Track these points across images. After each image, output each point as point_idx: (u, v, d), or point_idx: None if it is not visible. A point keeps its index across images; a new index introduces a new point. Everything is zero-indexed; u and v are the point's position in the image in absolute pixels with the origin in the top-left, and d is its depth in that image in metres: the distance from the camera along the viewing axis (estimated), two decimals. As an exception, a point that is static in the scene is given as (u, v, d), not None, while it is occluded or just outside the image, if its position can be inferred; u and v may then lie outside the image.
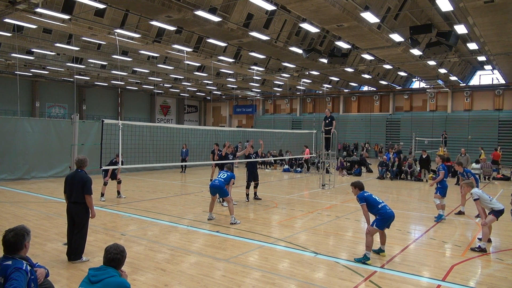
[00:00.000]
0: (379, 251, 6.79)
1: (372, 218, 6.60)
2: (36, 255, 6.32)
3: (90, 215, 6.38)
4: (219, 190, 9.18)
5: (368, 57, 25.12)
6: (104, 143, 8.25)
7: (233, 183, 9.95)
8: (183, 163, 20.75)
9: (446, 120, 34.11)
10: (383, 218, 6.40)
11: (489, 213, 7.47)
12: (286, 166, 23.70)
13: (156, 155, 20.49)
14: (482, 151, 22.54)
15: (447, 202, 12.93)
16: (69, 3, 17.65)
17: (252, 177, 12.33)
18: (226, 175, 9.50)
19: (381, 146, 35.45)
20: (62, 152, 16.71)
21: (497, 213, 7.40)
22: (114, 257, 3.33)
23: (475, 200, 7.52)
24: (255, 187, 12.53)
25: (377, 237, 6.76)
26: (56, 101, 37.93)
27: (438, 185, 10.05)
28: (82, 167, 6.43)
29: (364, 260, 6.29)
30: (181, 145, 20.82)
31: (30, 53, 25.40)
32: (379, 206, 6.46)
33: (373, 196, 6.60)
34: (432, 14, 20.51)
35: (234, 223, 8.95)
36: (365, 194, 6.58)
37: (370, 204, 6.51)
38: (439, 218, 9.56)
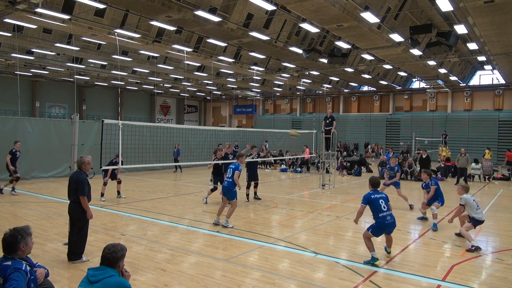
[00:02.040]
0: (385, 250, 6.79)
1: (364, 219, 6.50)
2: (36, 255, 6.31)
3: (87, 216, 6.33)
4: (227, 191, 8.74)
5: (368, 57, 25.12)
6: (104, 143, 8.25)
7: (238, 176, 8.91)
8: (177, 163, 20.54)
9: (446, 120, 34.11)
10: (379, 227, 6.35)
11: (469, 221, 7.63)
12: (284, 166, 23.71)
13: (156, 155, 20.46)
14: (487, 150, 22.58)
15: (447, 202, 12.92)
16: (69, 3, 17.66)
17: (252, 177, 12.36)
18: (231, 171, 8.78)
19: (372, 146, 35.52)
20: (62, 152, 16.70)
21: (476, 222, 7.55)
22: (105, 256, 3.34)
23: (460, 205, 7.58)
24: (255, 186, 12.55)
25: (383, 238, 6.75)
26: (56, 101, 37.93)
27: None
28: (79, 168, 6.43)
29: (372, 261, 6.24)
30: (182, 145, 20.83)
31: (30, 53, 25.40)
32: (380, 215, 6.32)
33: (380, 201, 6.35)
34: (432, 14, 20.51)
35: (226, 226, 8.61)
36: (372, 196, 6.39)
37: (373, 208, 6.38)
38: (435, 226, 9.07)
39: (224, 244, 7.43)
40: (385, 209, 6.37)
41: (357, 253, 6.88)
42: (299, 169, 22.85)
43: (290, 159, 23.61)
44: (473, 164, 19.42)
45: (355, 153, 34.85)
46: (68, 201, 6.44)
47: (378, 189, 6.65)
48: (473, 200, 7.58)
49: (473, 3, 13.91)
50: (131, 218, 9.54)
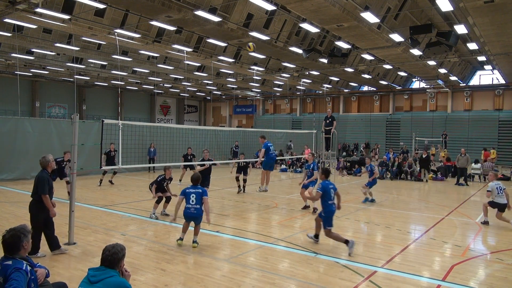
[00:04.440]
0: None
1: None
2: (37, 255, 6.32)
3: (51, 214, 6.40)
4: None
5: (368, 57, 25.11)
6: (104, 143, 8.25)
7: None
8: (154, 164, 19.96)
9: (446, 120, 34.10)
10: None
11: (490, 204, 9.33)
12: (284, 166, 23.71)
13: (156, 155, 20.48)
14: (493, 150, 22.67)
15: (447, 202, 12.95)
16: (69, 3, 17.65)
17: (242, 170, 13.88)
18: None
19: (373, 148, 35.59)
20: (62, 152, 16.69)
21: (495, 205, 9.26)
22: (105, 258, 3.34)
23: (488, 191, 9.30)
24: (244, 181, 13.95)
25: None
26: (56, 101, 37.91)
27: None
28: (43, 167, 6.66)
29: None
30: (182, 145, 20.77)
31: (30, 53, 25.40)
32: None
33: None
34: (432, 14, 20.51)
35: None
36: None
37: None
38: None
39: (224, 244, 7.44)
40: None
41: (357, 253, 6.88)
42: (299, 169, 22.85)
43: (290, 159, 23.61)
44: (473, 164, 19.43)
45: (355, 153, 34.86)
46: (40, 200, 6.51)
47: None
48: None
49: (473, 3, 13.91)
50: (131, 218, 9.54)
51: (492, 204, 9.29)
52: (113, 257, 3.33)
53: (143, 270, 5.85)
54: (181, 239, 7.16)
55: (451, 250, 7.31)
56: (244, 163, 13.94)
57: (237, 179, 13.87)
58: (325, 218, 7.02)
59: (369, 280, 5.60)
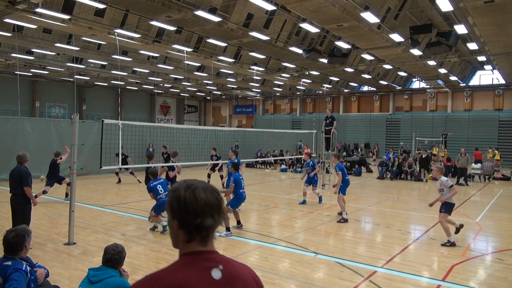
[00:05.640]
0: None
1: None
2: (36, 255, 6.31)
3: (32, 204, 6.57)
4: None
5: (368, 57, 25.11)
6: (104, 143, 8.25)
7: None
8: (153, 164, 20.09)
9: (446, 120, 34.10)
10: None
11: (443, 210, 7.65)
12: (284, 166, 23.70)
13: (156, 155, 20.45)
14: (496, 151, 22.68)
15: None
16: (69, 3, 17.65)
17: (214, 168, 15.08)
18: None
19: (361, 147, 35.61)
20: (62, 152, 16.71)
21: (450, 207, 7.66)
22: (112, 257, 3.35)
23: (450, 187, 7.56)
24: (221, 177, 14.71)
25: None
26: (56, 101, 37.90)
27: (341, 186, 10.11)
28: (21, 163, 6.67)
29: None
30: (181, 146, 20.79)
31: (30, 53, 25.38)
32: None
33: None
34: (432, 14, 20.50)
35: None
36: None
37: None
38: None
39: (224, 244, 7.44)
40: None
41: (357, 253, 6.88)
42: (299, 169, 22.85)
43: (290, 159, 23.62)
44: (473, 164, 19.43)
45: (355, 153, 34.87)
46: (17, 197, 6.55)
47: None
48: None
49: (473, 3, 13.90)
50: (131, 218, 9.54)
51: (448, 207, 7.60)
52: (119, 256, 3.37)
53: (143, 270, 5.85)
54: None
55: (451, 250, 7.31)
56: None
57: (209, 176, 15.24)
58: (234, 203, 8.29)
59: (369, 280, 5.60)
